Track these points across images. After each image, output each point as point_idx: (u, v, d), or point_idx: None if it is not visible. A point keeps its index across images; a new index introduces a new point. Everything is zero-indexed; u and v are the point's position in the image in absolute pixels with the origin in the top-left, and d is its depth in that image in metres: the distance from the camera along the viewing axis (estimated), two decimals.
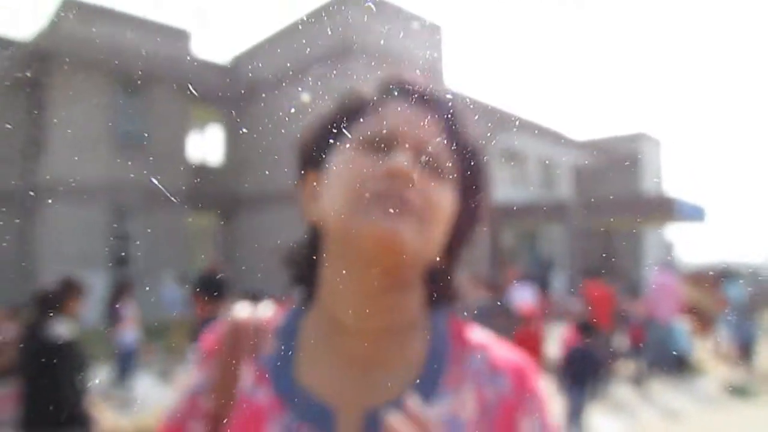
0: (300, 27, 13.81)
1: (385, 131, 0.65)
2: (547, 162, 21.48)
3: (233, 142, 16.78)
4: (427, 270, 0.68)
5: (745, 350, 8.12)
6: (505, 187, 18.40)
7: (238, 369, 0.68)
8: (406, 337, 0.68)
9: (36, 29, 14.10)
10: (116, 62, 12.84)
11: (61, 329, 3.04)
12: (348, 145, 0.66)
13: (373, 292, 0.64)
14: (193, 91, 14.35)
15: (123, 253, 13.33)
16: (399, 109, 0.67)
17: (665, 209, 16.18)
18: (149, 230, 13.06)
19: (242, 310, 0.75)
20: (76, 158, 12.30)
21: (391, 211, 0.60)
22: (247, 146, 15.81)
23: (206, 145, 19.22)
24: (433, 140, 0.65)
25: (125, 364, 6.66)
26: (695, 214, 16.85)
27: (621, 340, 7.91)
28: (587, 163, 21.69)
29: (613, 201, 15.66)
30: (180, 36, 14.67)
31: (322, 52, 11.40)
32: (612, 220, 15.81)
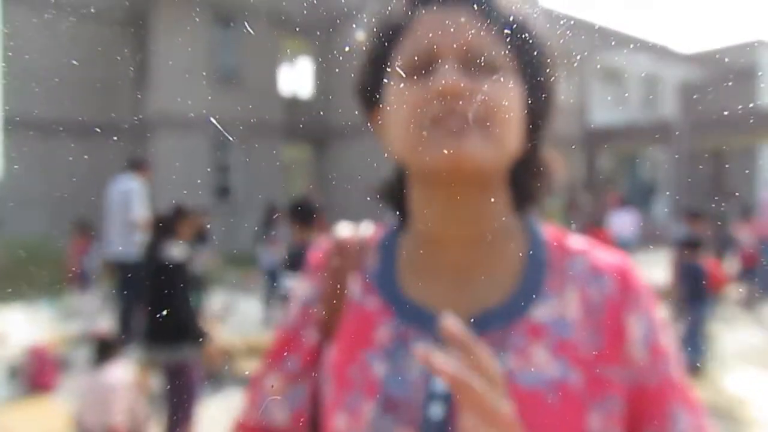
0: None
1: (422, 48, 0.63)
2: (650, 80, 20.03)
3: (322, 74, 16.83)
4: (511, 168, 0.68)
5: None
6: (604, 109, 17.44)
7: (345, 281, 0.73)
8: (502, 244, 0.69)
9: None
10: None
11: (175, 251, 3.26)
12: (395, 75, 0.65)
13: (457, 204, 0.65)
14: (283, 27, 14.38)
15: (224, 185, 14.01)
16: (431, 16, 0.64)
17: None
18: (247, 162, 13.60)
19: (345, 229, 0.79)
20: (176, 92, 12.83)
21: (454, 131, 0.59)
22: (334, 78, 15.84)
23: (297, 78, 19.40)
24: (476, 35, 0.62)
25: (272, 282, 6.74)
26: None
27: (732, 264, 7.54)
28: (696, 79, 20.01)
29: (726, 118, 14.44)
30: None
31: None
32: (724, 139, 14.66)
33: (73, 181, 12.36)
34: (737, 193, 14.58)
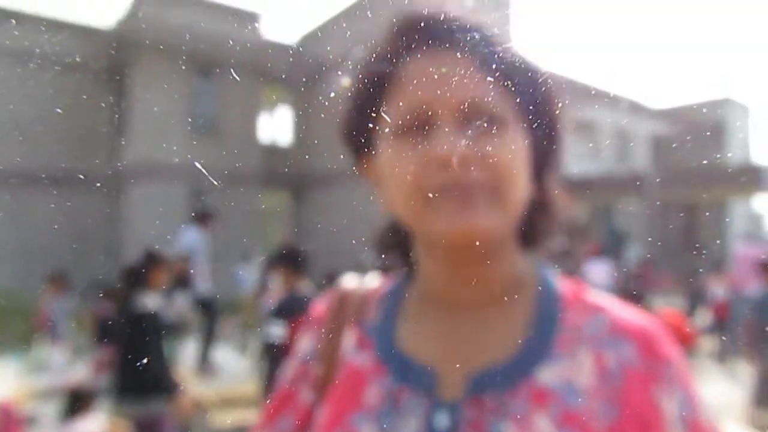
0: (366, 6, 13.77)
1: (415, 102, 0.58)
2: (623, 133, 20.60)
3: (302, 122, 17.09)
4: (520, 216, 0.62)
5: None
6: (578, 160, 17.83)
7: (342, 335, 0.69)
8: (510, 297, 0.63)
9: (116, 17, 14.79)
10: (191, 47, 13.31)
11: (147, 301, 3.23)
12: (387, 130, 0.60)
13: (465, 267, 0.62)
14: (262, 77, 14.64)
15: None
16: (422, 63, 0.58)
17: (752, 179, 15.22)
18: (225, 210, 13.56)
19: (350, 281, 0.75)
20: (156, 141, 12.89)
21: (460, 202, 0.55)
22: (315, 126, 16.06)
23: (276, 127, 19.68)
24: (473, 86, 0.57)
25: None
26: None
27: (704, 316, 7.61)
28: (667, 133, 20.65)
29: (696, 172, 14.86)
30: (249, 18, 14.99)
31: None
32: (694, 192, 15.04)
33: (52, 230, 12.20)
34: (708, 247, 14.87)
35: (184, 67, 13.75)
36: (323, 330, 0.70)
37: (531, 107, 0.60)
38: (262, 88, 15.62)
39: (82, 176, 12.77)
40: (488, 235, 0.57)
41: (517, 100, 0.59)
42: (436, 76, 0.57)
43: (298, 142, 16.98)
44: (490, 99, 0.57)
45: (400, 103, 0.59)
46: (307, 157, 15.84)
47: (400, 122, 0.59)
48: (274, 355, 3.21)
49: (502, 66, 0.58)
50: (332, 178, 14.56)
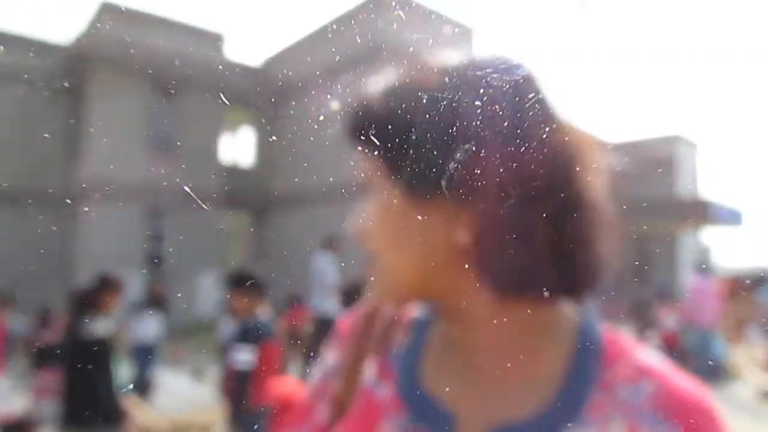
0: (329, 32, 13.91)
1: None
2: None
3: (264, 144, 17.02)
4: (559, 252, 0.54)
5: None
6: None
7: (365, 358, 0.66)
8: (543, 346, 0.58)
9: (75, 33, 14.53)
10: (151, 66, 13.14)
11: (98, 326, 3.13)
12: None
13: (444, 316, 0.63)
14: (225, 98, 14.56)
15: (158, 254, 13.62)
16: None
17: (701, 213, 15.82)
18: (183, 231, 13.31)
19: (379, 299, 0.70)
20: (114, 161, 12.61)
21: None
22: (277, 148, 16.01)
23: (238, 147, 19.53)
24: (357, 163, 0.62)
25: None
26: (732, 217, 16.48)
27: (653, 346, 7.80)
28: (618, 166, 21.28)
29: (647, 205, 15.37)
30: (213, 39, 14.94)
31: (351, 57, 11.48)
32: (646, 224, 15.53)
33: (1, 250, 11.77)
34: (658, 278, 15.30)
35: (143, 86, 13.56)
36: (350, 347, 0.68)
37: (401, 155, 0.55)
38: (224, 109, 15.52)
39: (30, 200, 12.34)
40: (386, 298, 0.62)
41: (383, 156, 0.57)
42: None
43: (261, 163, 16.88)
44: (361, 172, 0.61)
45: None
46: (269, 178, 15.76)
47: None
48: (242, 381, 3.16)
49: (368, 134, 0.57)
50: (294, 200, 14.50)
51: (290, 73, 15.00)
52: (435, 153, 0.52)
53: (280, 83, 15.15)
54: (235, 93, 15.48)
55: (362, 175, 0.60)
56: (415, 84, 0.56)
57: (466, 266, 0.55)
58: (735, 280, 10.50)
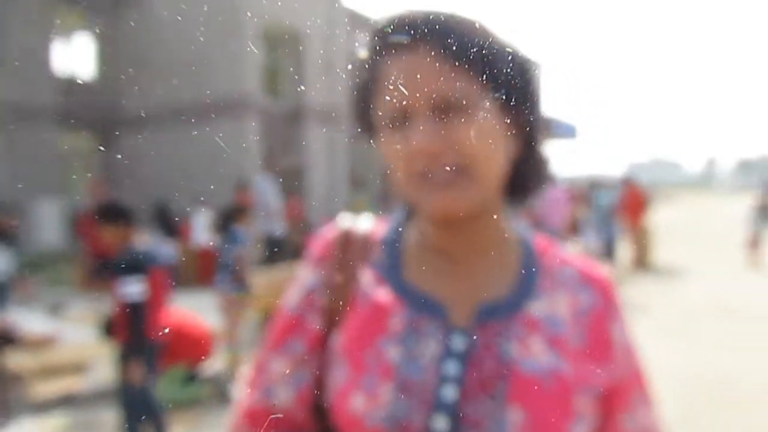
0: None
1: (395, 100, 0.68)
2: None
3: (108, 55, 15.26)
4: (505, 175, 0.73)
5: (608, 248, 9.98)
6: None
7: (352, 271, 0.78)
8: (500, 250, 0.77)
9: None
10: None
11: None
12: (381, 123, 0.72)
13: (454, 231, 0.75)
14: None
15: None
16: (398, 62, 0.68)
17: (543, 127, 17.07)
18: (16, 153, 11.85)
19: (346, 221, 0.84)
20: None
21: (437, 185, 0.67)
22: (123, 59, 14.49)
23: (75, 58, 17.32)
24: (443, 79, 0.66)
25: None
26: (568, 131, 18.00)
27: None
28: None
29: None
30: None
31: None
32: None
33: None
34: None
35: None
36: (332, 265, 0.79)
37: (504, 86, 0.68)
38: (55, 11, 13.62)
39: None
40: (466, 211, 0.69)
41: (488, 83, 0.67)
42: (409, 75, 0.67)
43: (104, 77, 15.20)
44: (456, 91, 0.66)
45: (384, 100, 0.70)
46: (116, 94, 14.28)
47: (387, 118, 0.70)
48: (135, 314, 3.01)
49: (470, 57, 0.66)
50: (147, 119, 13.40)
51: None
52: (515, 79, 0.69)
53: None
54: None
55: (452, 91, 0.66)
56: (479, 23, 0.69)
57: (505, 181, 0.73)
58: (574, 187, 11.89)
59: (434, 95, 0.66)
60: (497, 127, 0.69)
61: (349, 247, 0.80)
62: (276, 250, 6.87)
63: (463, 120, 0.66)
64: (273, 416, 0.76)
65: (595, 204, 10.48)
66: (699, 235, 17.50)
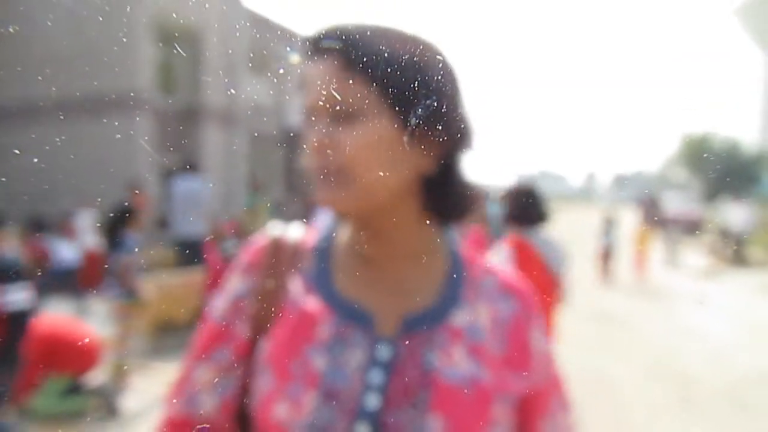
0: None
1: (306, 101, 0.73)
2: None
3: None
4: (423, 191, 0.76)
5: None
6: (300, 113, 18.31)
7: (281, 279, 0.79)
8: (432, 256, 0.80)
9: None
10: None
11: None
12: (302, 122, 0.76)
13: (367, 231, 0.77)
14: None
15: None
16: (312, 68, 0.72)
17: None
18: None
19: (278, 229, 0.85)
20: None
21: (321, 183, 0.71)
22: (2, 50, 13.30)
23: None
24: (341, 86, 0.69)
25: None
26: None
27: None
28: None
29: None
30: None
31: None
32: None
33: None
34: None
35: None
36: (262, 272, 0.80)
37: (405, 101, 0.69)
38: None
39: None
40: (348, 210, 0.73)
41: (387, 95, 0.69)
42: (314, 81, 0.71)
43: None
44: (355, 98, 0.69)
45: (303, 100, 0.74)
46: None
47: (303, 118, 0.75)
48: (17, 323, 2.80)
49: (371, 69, 0.68)
50: (22, 113, 12.37)
51: None
52: (420, 93, 0.69)
53: None
54: None
55: (346, 98, 0.69)
56: (396, 30, 0.72)
57: (418, 194, 0.75)
58: None
59: (330, 101, 0.69)
60: (393, 138, 0.70)
61: (279, 254, 0.81)
62: (188, 252, 6.56)
63: (353, 126, 0.69)
64: (197, 426, 0.75)
65: (487, 214, 10.77)
66: (574, 246, 18.50)
